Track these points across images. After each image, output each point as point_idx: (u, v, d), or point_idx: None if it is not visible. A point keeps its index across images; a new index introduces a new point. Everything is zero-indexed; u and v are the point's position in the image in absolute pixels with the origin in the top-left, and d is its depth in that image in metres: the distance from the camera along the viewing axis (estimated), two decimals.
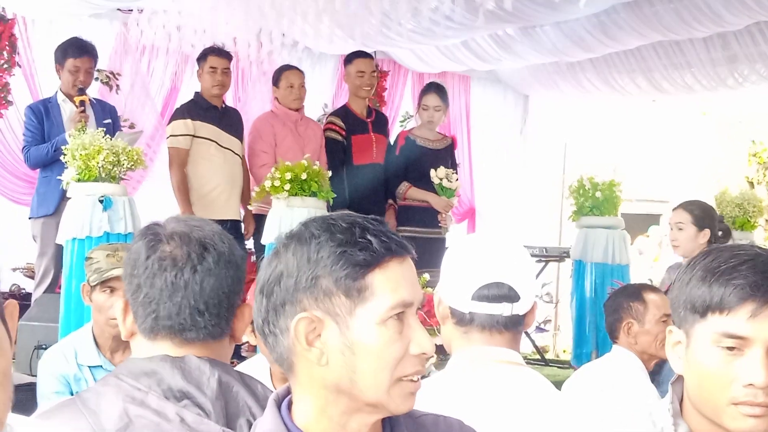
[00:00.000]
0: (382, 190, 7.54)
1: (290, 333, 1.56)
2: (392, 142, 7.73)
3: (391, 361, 1.54)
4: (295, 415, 1.60)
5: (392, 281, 1.55)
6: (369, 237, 1.55)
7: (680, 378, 1.87)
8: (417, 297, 1.59)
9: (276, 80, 7.30)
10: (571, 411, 2.36)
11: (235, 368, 2.20)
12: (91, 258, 3.73)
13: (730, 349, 1.74)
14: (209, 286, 1.96)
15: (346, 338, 1.55)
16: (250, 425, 1.84)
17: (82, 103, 6.41)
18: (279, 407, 1.62)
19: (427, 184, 7.35)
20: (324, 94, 9.07)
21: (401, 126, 8.65)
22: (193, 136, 6.86)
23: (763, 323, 1.72)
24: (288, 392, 1.64)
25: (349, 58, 7.64)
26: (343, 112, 7.58)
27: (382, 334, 1.54)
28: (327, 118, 7.69)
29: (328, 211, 6.38)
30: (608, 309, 4.33)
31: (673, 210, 5.65)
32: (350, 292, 1.54)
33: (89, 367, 3.73)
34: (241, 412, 1.87)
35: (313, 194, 6.28)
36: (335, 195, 6.49)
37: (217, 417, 1.83)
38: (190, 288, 1.95)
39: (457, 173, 7.60)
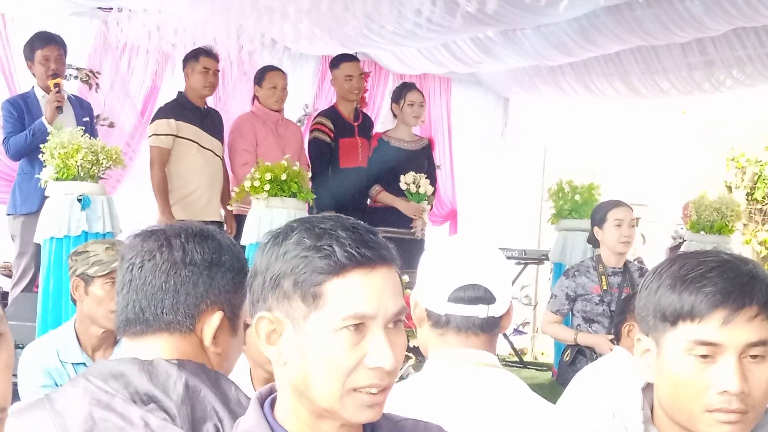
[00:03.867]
0: (366, 193, 7.56)
1: (252, 330, 1.59)
2: None
3: (341, 371, 1.52)
4: (276, 412, 1.62)
5: (350, 292, 1.53)
6: (334, 245, 1.53)
7: (650, 385, 1.88)
8: (383, 309, 1.54)
9: (259, 80, 7.30)
10: (544, 413, 2.37)
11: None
12: (87, 252, 3.76)
13: (703, 356, 1.75)
14: (158, 281, 1.94)
15: (300, 342, 1.55)
16: (216, 429, 1.83)
17: (57, 85, 6.41)
18: (262, 404, 1.63)
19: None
20: (304, 94, 9.06)
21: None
22: (176, 136, 6.84)
23: (735, 330, 1.73)
24: (272, 391, 1.65)
25: (336, 62, 7.64)
26: (333, 114, 7.57)
27: (334, 343, 1.52)
28: (315, 118, 7.67)
29: (309, 212, 6.39)
30: (617, 311, 4.41)
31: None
32: (306, 297, 1.53)
33: (72, 364, 3.74)
34: (208, 417, 1.85)
35: (293, 195, 6.27)
36: (316, 197, 6.50)
37: (182, 422, 1.82)
38: (137, 283, 1.95)
39: (431, 176, 7.60)
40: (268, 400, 1.65)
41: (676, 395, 1.80)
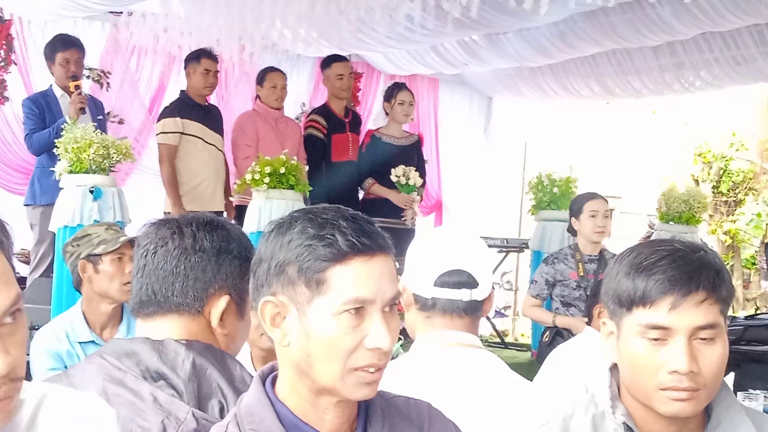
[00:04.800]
0: (357, 185, 7.59)
1: (257, 313, 1.59)
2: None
3: (342, 351, 1.53)
4: (277, 389, 1.62)
5: (351, 278, 1.53)
6: (336, 234, 1.54)
7: (617, 364, 1.89)
8: (381, 294, 1.56)
9: (260, 80, 7.29)
10: (522, 390, 2.38)
11: None
12: (89, 235, 3.81)
13: (655, 339, 1.77)
14: (169, 266, 1.95)
15: (304, 325, 1.55)
16: (221, 405, 1.84)
17: (77, 87, 6.39)
18: (264, 382, 1.63)
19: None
20: (302, 93, 9.05)
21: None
22: (182, 133, 6.83)
23: (683, 314, 1.75)
24: (273, 369, 1.65)
25: (327, 62, 7.65)
26: (325, 112, 7.57)
27: (335, 326, 1.53)
28: (309, 116, 7.66)
29: (305, 203, 6.39)
30: (590, 294, 4.45)
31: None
32: (310, 283, 1.54)
33: (80, 343, 3.77)
34: (213, 394, 1.85)
35: (291, 187, 6.27)
36: (312, 189, 6.49)
37: (189, 398, 1.82)
38: (150, 267, 1.96)
39: (420, 170, 7.61)
40: (269, 377, 1.65)
41: (634, 375, 1.82)
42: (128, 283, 3.73)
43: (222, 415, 1.81)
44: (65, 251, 3.90)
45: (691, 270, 1.76)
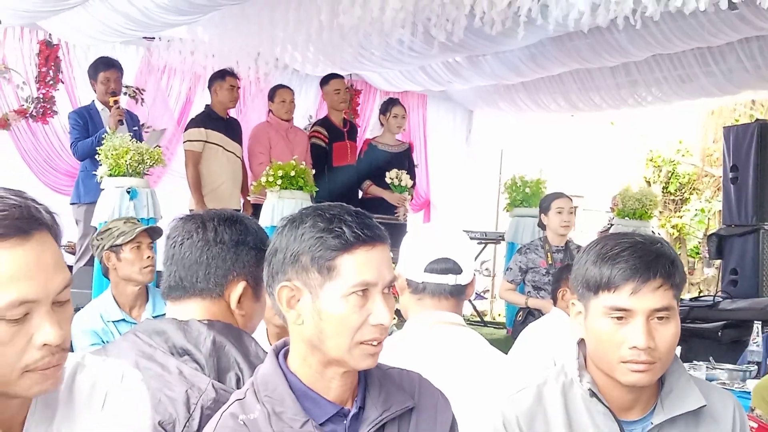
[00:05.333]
0: (356, 186, 7.57)
1: (274, 296, 1.59)
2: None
3: (351, 328, 1.54)
4: (289, 361, 1.62)
5: (358, 264, 1.54)
6: (343, 227, 1.55)
7: (583, 339, 1.90)
8: (382, 278, 1.57)
9: (271, 96, 7.28)
10: (500, 362, 2.38)
11: None
12: (110, 229, 3.85)
13: (619, 318, 1.78)
14: (194, 256, 1.94)
15: (316, 306, 1.55)
16: (237, 377, 1.84)
17: (116, 102, 6.40)
18: (277, 355, 1.64)
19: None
20: (309, 107, 9.02)
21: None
22: (206, 141, 6.81)
23: (642, 298, 1.76)
24: (285, 344, 1.66)
25: (326, 80, 7.63)
26: (326, 123, 7.56)
27: (344, 306, 1.54)
28: (312, 127, 7.65)
29: (312, 202, 6.38)
30: (553, 279, 4.48)
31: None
32: (322, 269, 1.54)
33: (113, 321, 3.80)
34: (231, 367, 1.85)
35: (300, 188, 6.27)
36: (318, 190, 6.49)
37: (209, 371, 1.82)
38: (178, 257, 1.95)
39: (411, 173, 7.61)
40: (282, 351, 1.65)
41: (599, 349, 1.82)
42: (147, 266, 3.80)
43: (239, 386, 1.80)
44: (92, 245, 3.93)
45: (649, 260, 1.77)
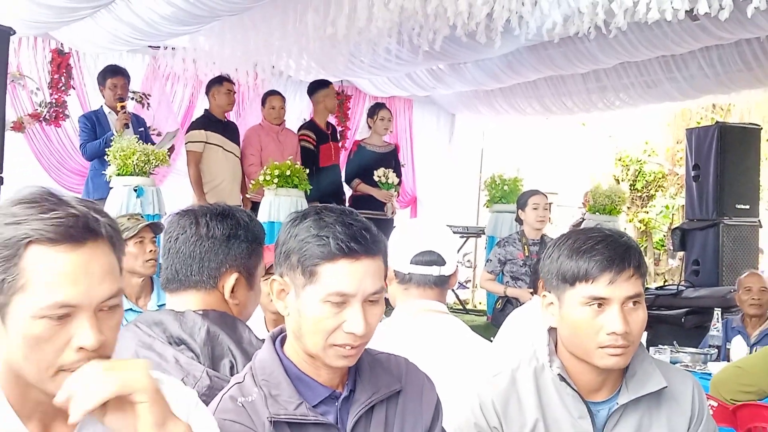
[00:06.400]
0: (341, 184, 7.56)
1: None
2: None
3: (324, 330, 1.52)
4: (285, 347, 1.62)
5: (337, 274, 1.51)
6: (330, 237, 1.52)
7: (553, 327, 1.90)
8: (362, 290, 1.52)
9: (263, 102, 7.24)
10: (480, 347, 2.39)
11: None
12: None
13: (599, 306, 1.77)
14: (188, 250, 1.93)
15: (298, 304, 1.55)
16: (231, 364, 1.83)
17: (123, 107, 6.38)
18: (274, 341, 1.63)
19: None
20: (303, 111, 9.00)
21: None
22: (206, 142, 6.79)
23: (618, 287, 1.77)
24: (282, 331, 1.65)
25: (315, 87, 7.50)
26: (313, 127, 7.48)
27: (320, 310, 1.52)
28: (300, 131, 7.51)
29: (306, 199, 6.38)
30: (533, 270, 4.46)
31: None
32: (305, 272, 1.53)
33: None
34: (225, 355, 1.83)
35: (295, 186, 6.26)
36: (311, 187, 6.49)
37: (204, 359, 1.81)
38: (173, 251, 1.94)
39: (398, 172, 7.59)
40: (279, 338, 1.65)
41: (576, 336, 1.82)
42: (149, 260, 3.80)
43: (232, 373, 1.79)
44: None
45: (622, 252, 1.78)
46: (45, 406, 1.25)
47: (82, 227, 1.22)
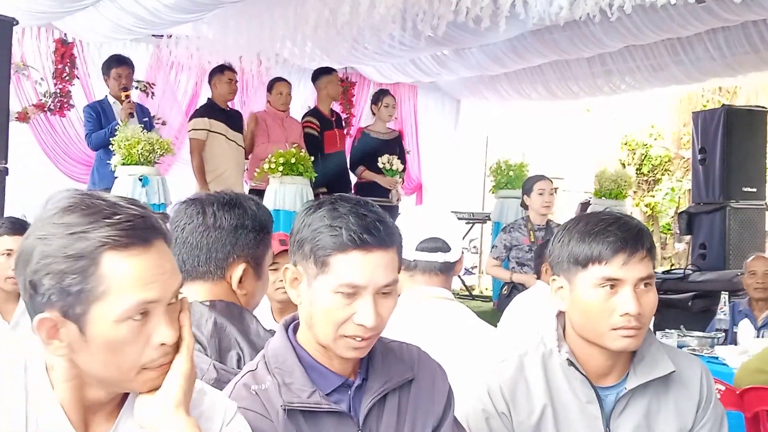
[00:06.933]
0: (346, 170, 7.53)
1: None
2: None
3: (334, 321, 1.51)
4: (298, 335, 1.62)
5: (349, 266, 1.50)
6: (343, 228, 1.50)
7: (561, 312, 1.89)
8: (374, 282, 1.50)
9: (270, 88, 7.22)
10: (486, 333, 2.38)
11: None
12: None
13: (612, 287, 1.77)
14: (195, 241, 1.91)
15: (309, 294, 1.54)
16: (238, 356, 1.82)
17: (127, 97, 6.37)
18: (287, 329, 1.63)
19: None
20: (308, 98, 8.97)
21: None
22: (209, 130, 6.77)
23: (631, 268, 1.76)
24: (295, 318, 1.65)
25: (318, 74, 7.48)
26: (317, 114, 7.47)
27: (331, 301, 1.51)
28: (304, 118, 7.51)
29: (312, 186, 6.37)
30: (535, 255, 4.46)
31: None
32: (317, 262, 1.52)
33: None
34: (232, 346, 1.82)
35: (300, 174, 6.25)
36: (316, 174, 6.47)
37: (211, 351, 1.80)
38: (180, 241, 1.92)
39: (402, 158, 7.57)
40: (291, 325, 1.64)
41: (588, 319, 1.81)
42: None
43: (239, 365, 1.79)
44: None
45: (635, 234, 1.78)
46: (89, 401, 1.29)
47: (149, 228, 1.25)
